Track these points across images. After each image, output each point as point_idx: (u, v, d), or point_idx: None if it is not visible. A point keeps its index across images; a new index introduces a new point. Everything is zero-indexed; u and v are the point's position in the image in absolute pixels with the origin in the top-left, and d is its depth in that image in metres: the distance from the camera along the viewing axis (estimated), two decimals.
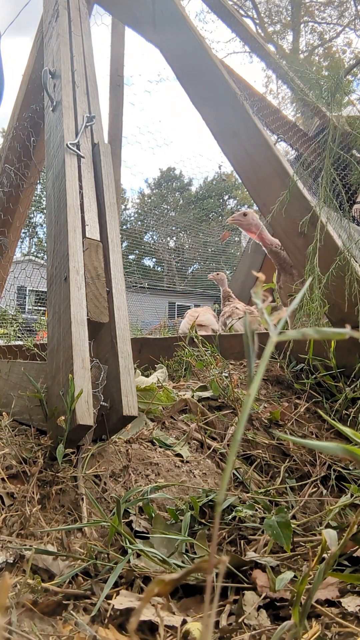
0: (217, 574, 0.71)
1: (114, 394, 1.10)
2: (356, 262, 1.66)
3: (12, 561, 0.77)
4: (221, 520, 0.94)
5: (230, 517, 0.94)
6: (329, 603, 0.71)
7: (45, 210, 1.83)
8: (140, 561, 0.80)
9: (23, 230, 3.54)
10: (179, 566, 0.78)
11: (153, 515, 0.92)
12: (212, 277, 4.28)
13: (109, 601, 0.70)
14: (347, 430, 0.42)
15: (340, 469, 1.21)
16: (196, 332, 2.01)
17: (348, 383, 1.53)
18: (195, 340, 1.88)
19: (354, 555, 0.81)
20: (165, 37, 2.23)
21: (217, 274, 4.21)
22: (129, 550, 0.79)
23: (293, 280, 2.55)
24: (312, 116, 3.36)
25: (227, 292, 3.96)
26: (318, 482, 1.18)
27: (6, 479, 0.97)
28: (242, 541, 0.90)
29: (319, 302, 1.55)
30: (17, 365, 1.40)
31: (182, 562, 0.82)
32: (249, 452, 1.27)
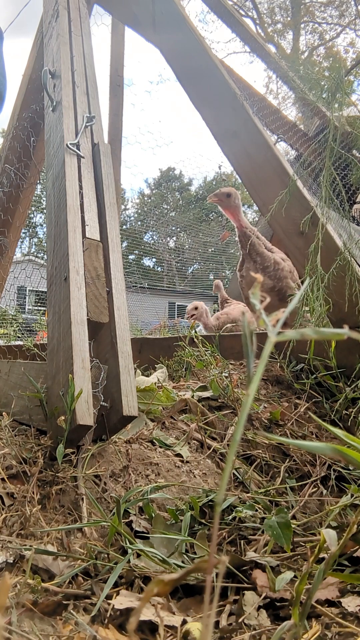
0: (217, 574, 0.71)
1: (114, 394, 1.10)
2: (356, 262, 1.66)
3: (12, 561, 0.77)
4: (221, 520, 0.94)
5: (230, 517, 0.94)
6: (329, 603, 0.71)
7: (45, 210, 1.82)
8: (140, 561, 0.80)
9: (23, 230, 3.54)
10: (179, 566, 0.78)
11: (153, 515, 0.92)
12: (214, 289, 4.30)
13: (109, 601, 0.70)
14: (337, 432, 0.42)
15: (340, 469, 1.21)
16: (196, 332, 2.01)
17: (348, 383, 1.53)
18: (195, 340, 1.88)
19: (354, 555, 0.81)
20: (165, 38, 2.23)
21: (215, 284, 4.24)
22: (129, 550, 0.79)
23: (256, 268, 2.54)
24: (312, 116, 3.36)
25: (224, 297, 4.00)
26: (318, 482, 1.18)
27: (6, 479, 0.97)
28: (242, 541, 0.90)
29: (321, 302, 1.55)
30: (17, 365, 1.40)
31: (182, 562, 0.82)
32: (249, 452, 1.27)
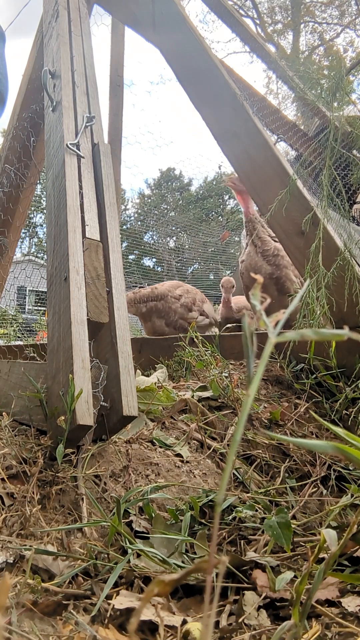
0: (217, 574, 0.71)
1: (114, 394, 1.10)
2: (356, 262, 1.66)
3: (12, 561, 0.77)
4: (221, 521, 0.94)
5: (230, 517, 0.94)
6: (329, 603, 0.71)
7: (45, 210, 1.82)
8: (140, 561, 0.80)
9: (23, 230, 3.54)
10: (179, 566, 0.78)
11: (153, 515, 0.92)
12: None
13: (109, 601, 0.70)
14: (338, 431, 0.42)
15: (340, 469, 1.21)
16: (195, 331, 2.01)
17: (348, 383, 1.53)
18: (195, 340, 1.88)
19: (354, 555, 0.81)
20: (165, 38, 2.23)
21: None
22: (129, 550, 0.79)
23: (256, 252, 2.54)
24: (312, 116, 3.36)
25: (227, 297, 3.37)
26: (318, 482, 1.18)
27: (6, 479, 0.97)
28: (242, 541, 0.90)
29: (323, 302, 1.55)
30: (17, 365, 1.40)
31: (182, 562, 0.82)
32: (249, 452, 1.27)
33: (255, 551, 0.86)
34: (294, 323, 1.65)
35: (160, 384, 1.56)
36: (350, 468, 1.21)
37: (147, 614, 0.67)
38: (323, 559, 0.77)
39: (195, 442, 1.28)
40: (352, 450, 0.42)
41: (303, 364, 1.70)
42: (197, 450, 1.25)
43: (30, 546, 0.79)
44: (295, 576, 0.75)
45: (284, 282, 2.45)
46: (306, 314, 1.58)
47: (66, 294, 1.14)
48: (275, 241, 2.56)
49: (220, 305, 3.48)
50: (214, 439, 1.33)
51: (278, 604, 0.73)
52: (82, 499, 0.94)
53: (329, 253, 1.66)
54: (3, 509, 0.90)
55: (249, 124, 1.95)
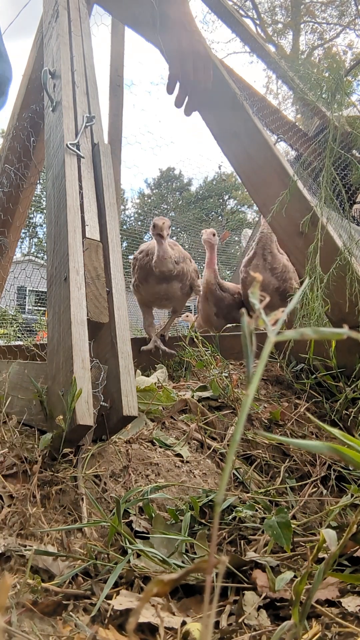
0: (217, 574, 0.71)
1: (114, 394, 1.10)
2: (357, 262, 1.66)
3: (12, 562, 0.77)
4: (221, 521, 0.94)
5: (230, 517, 0.94)
6: (329, 603, 0.71)
7: (45, 210, 1.82)
8: (140, 561, 0.80)
9: (23, 230, 3.54)
10: (179, 566, 0.78)
11: (153, 515, 0.92)
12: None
13: (109, 601, 0.70)
14: (334, 431, 0.42)
15: (341, 469, 1.21)
16: (196, 331, 2.01)
17: (348, 383, 1.53)
18: (195, 340, 1.88)
19: (354, 555, 0.81)
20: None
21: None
22: (129, 550, 0.79)
23: (265, 266, 2.53)
24: (312, 116, 3.36)
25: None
26: (318, 482, 1.18)
27: (6, 479, 0.97)
28: (242, 541, 0.90)
29: (320, 302, 1.55)
30: (17, 365, 1.40)
31: (182, 562, 0.82)
32: (249, 452, 1.27)
33: (255, 551, 0.86)
34: (293, 323, 1.65)
35: (160, 384, 1.56)
36: (350, 468, 1.21)
37: (147, 615, 0.67)
38: (323, 559, 0.77)
39: (195, 442, 1.28)
40: (347, 451, 0.42)
41: (303, 364, 1.70)
42: (197, 450, 1.25)
43: (30, 546, 0.79)
44: (295, 576, 0.75)
45: (287, 292, 2.48)
46: (305, 313, 1.58)
47: (66, 294, 1.14)
48: (281, 254, 2.57)
49: (205, 268, 2.87)
50: (214, 439, 1.33)
51: (278, 604, 0.73)
52: (82, 499, 0.94)
53: (328, 253, 1.66)
54: (3, 509, 0.90)
55: (249, 124, 1.95)
